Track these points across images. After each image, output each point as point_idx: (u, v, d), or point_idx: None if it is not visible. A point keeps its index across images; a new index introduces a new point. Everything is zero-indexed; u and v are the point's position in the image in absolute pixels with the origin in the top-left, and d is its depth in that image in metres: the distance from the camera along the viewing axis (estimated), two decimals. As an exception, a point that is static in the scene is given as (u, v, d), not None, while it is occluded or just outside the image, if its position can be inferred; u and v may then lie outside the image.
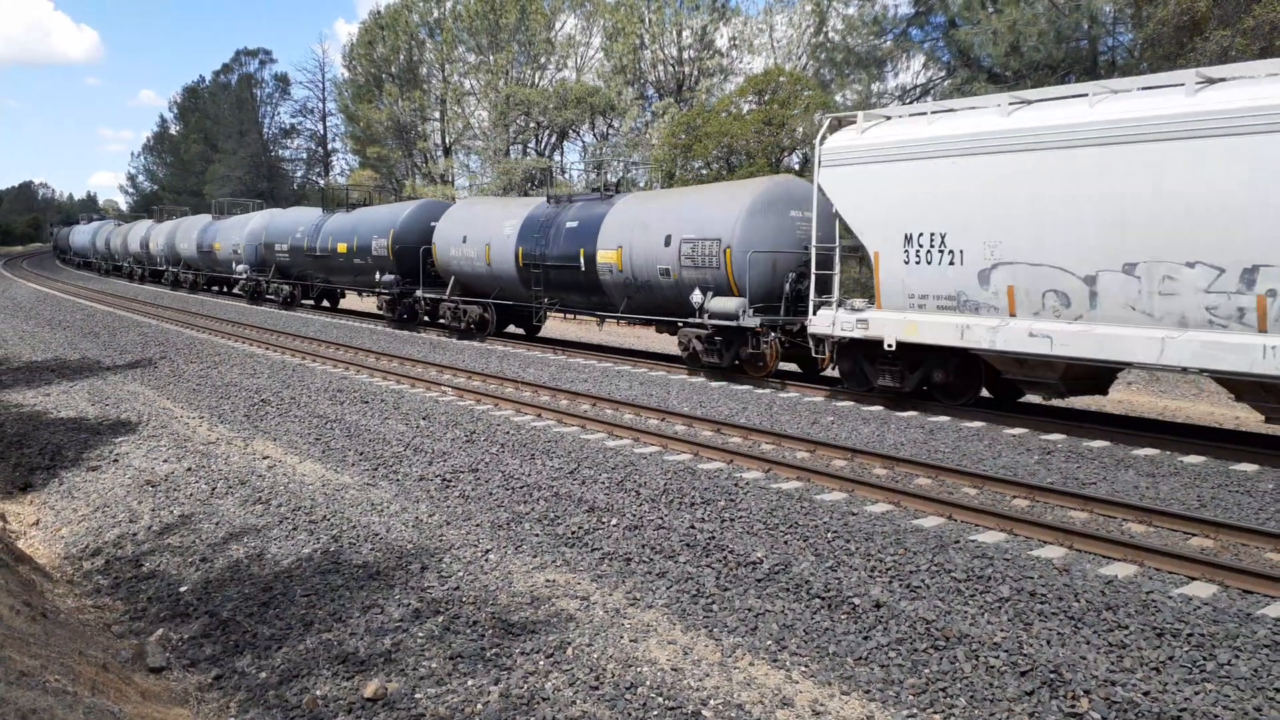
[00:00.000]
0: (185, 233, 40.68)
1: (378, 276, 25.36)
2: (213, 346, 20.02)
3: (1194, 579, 6.45)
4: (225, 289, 39.95)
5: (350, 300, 33.44)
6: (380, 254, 25.20)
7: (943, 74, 32.94)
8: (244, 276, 34.43)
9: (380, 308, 26.06)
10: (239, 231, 34.97)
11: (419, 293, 23.98)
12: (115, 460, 11.07)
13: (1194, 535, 7.42)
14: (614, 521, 8.00)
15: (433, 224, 23.94)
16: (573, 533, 7.86)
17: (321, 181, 74.95)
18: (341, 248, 27.33)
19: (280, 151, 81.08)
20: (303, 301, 32.70)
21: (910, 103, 34.38)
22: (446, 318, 22.79)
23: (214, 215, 40.94)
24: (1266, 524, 7.59)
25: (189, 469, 10.42)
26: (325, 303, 33.10)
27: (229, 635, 6.49)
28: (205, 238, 38.08)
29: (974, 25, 28.27)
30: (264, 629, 6.47)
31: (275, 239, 32.06)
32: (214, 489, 9.67)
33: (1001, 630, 5.73)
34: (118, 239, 52.80)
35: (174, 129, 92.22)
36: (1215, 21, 19.45)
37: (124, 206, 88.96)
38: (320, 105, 77.12)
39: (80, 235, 63.63)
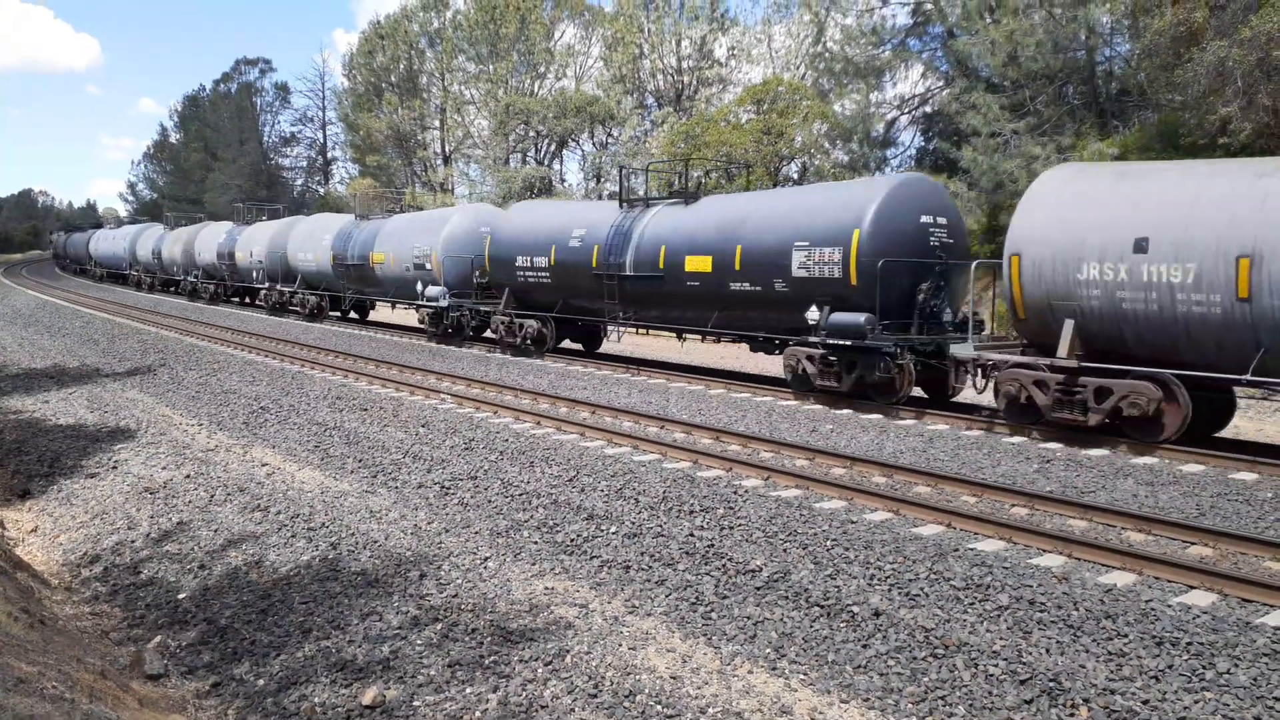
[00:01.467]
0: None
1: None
2: (212, 354, 20.02)
3: (1193, 588, 6.45)
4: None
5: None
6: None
7: (941, 84, 33.06)
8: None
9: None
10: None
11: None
12: (114, 467, 11.06)
13: (1193, 544, 7.42)
14: (613, 530, 7.99)
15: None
16: (571, 540, 7.85)
17: (321, 190, 75.12)
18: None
19: (280, 160, 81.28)
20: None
21: (909, 112, 34.58)
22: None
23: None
24: (1265, 533, 7.60)
25: (188, 476, 10.42)
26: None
27: (227, 642, 6.48)
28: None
29: (972, 35, 28.37)
30: (262, 636, 6.46)
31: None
32: (213, 496, 9.66)
33: (1000, 639, 5.73)
34: (176, 246, 42.05)
35: (174, 137, 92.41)
36: (1212, 32, 19.52)
37: (124, 214, 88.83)
38: (320, 114, 77.37)
39: (107, 242, 54.72)
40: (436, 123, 56.32)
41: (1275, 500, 8.59)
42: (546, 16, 49.88)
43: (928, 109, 33.98)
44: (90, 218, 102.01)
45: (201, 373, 17.17)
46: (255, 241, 33.98)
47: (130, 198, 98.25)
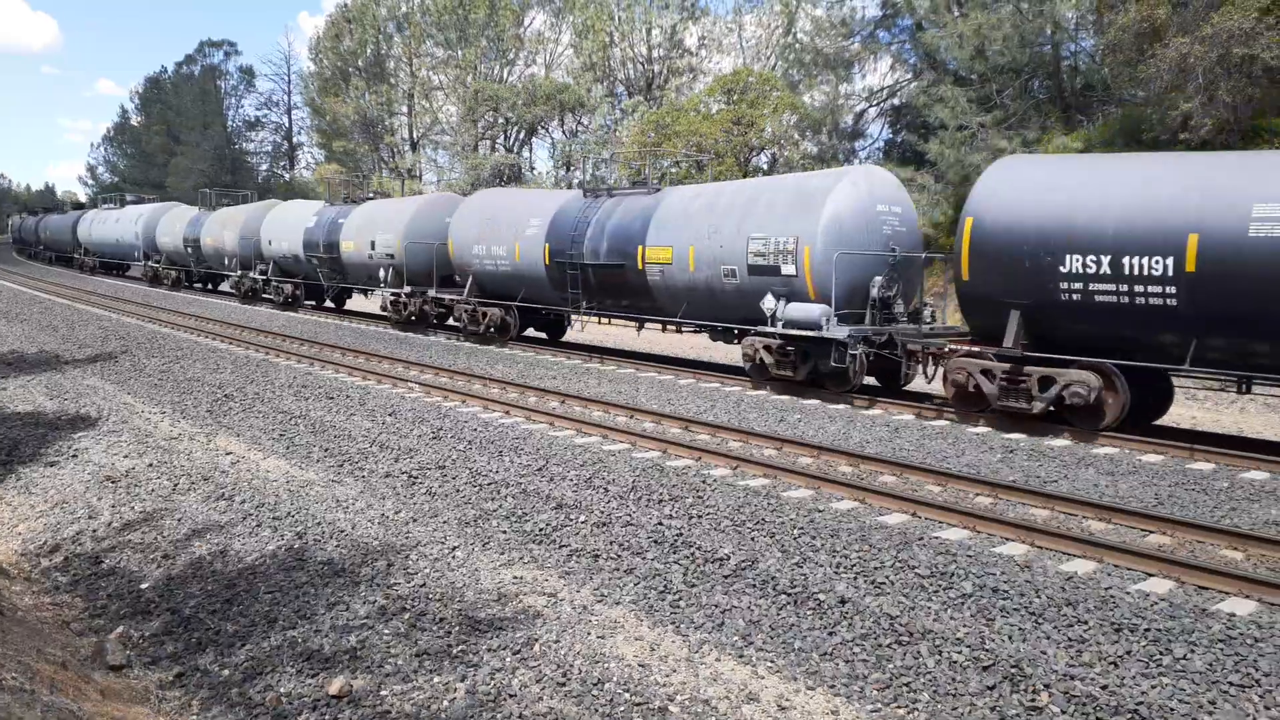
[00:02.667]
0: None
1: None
2: (175, 341, 19.73)
3: (1151, 575, 6.58)
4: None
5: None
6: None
7: (909, 77, 33.28)
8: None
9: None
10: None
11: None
12: (74, 456, 10.88)
13: (1151, 532, 7.57)
14: (582, 519, 8.00)
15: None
16: (541, 529, 7.85)
17: (287, 175, 74.18)
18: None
19: (244, 144, 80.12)
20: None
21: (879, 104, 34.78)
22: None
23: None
24: (1221, 521, 7.76)
25: (150, 465, 10.28)
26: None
27: (191, 633, 6.41)
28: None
29: (940, 28, 28.57)
30: (227, 626, 6.40)
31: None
32: (176, 485, 9.54)
33: (964, 626, 5.81)
34: (228, 232, 31.96)
35: (135, 120, 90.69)
36: (1174, 29, 19.82)
37: (83, 198, 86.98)
38: (286, 98, 76.35)
39: (105, 226, 44.24)
40: (404, 108, 55.78)
41: (1231, 490, 8.78)
42: (516, 3, 49.53)
43: (896, 101, 34.21)
44: (48, 201, 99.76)
45: (164, 360, 16.92)
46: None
47: (90, 181, 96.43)
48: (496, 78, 48.95)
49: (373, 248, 23.98)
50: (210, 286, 36.97)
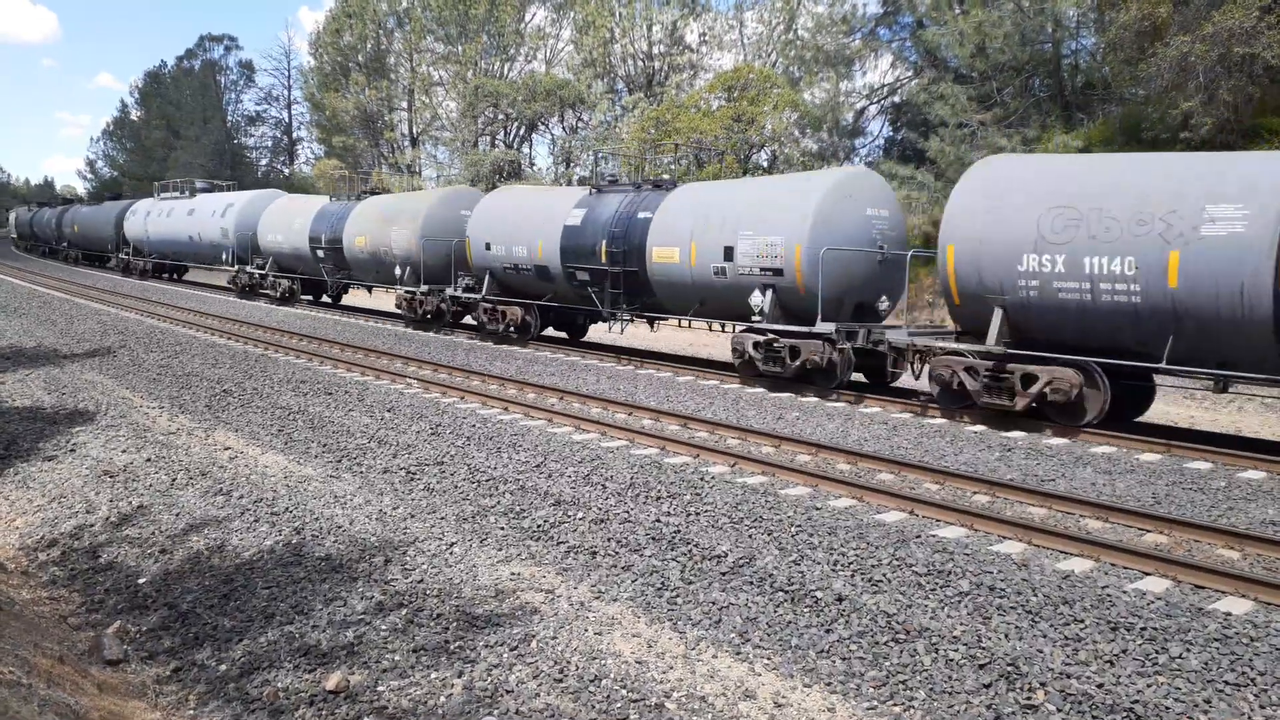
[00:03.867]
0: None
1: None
2: (174, 335, 19.72)
3: (1148, 574, 6.58)
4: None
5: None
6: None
7: (910, 74, 33.26)
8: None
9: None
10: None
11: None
12: (72, 450, 10.88)
13: (1148, 531, 7.58)
14: (580, 516, 8.01)
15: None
16: (539, 526, 7.86)
17: (286, 170, 74.08)
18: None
19: (244, 139, 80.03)
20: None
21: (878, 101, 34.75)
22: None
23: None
24: (1218, 521, 7.77)
25: (148, 459, 10.28)
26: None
27: (188, 627, 6.42)
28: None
29: (941, 26, 28.55)
30: (224, 621, 6.40)
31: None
32: (174, 480, 9.54)
33: (961, 624, 5.82)
34: (395, 231, 23.49)
35: (135, 114, 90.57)
36: (1175, 28, 19.81)
37: (82, 192, 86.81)
38: (285, 93, 76.26)
39: (170, 221, 35.55)
40: (404, 104, 55.70)
41: (1228, 489, 8.79)
42: (516, -2, 49.44)
43: (896, 99, 34.20)
44: (47, 194, 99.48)
45: (162, 354, 16.92)
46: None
47: (89, 175, 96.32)
48: (497, 73, 48.88)
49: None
50: (328, 301, 29.76)
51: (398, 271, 22.96)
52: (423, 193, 27.20)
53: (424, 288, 22.20)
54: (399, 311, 23.85)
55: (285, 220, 28.57)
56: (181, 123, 77.49)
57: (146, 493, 9.24)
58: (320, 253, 26.81)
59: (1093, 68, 27.80)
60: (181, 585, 7.10)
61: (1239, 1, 18.41)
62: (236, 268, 30.62)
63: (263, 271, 29.65)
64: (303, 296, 29.68)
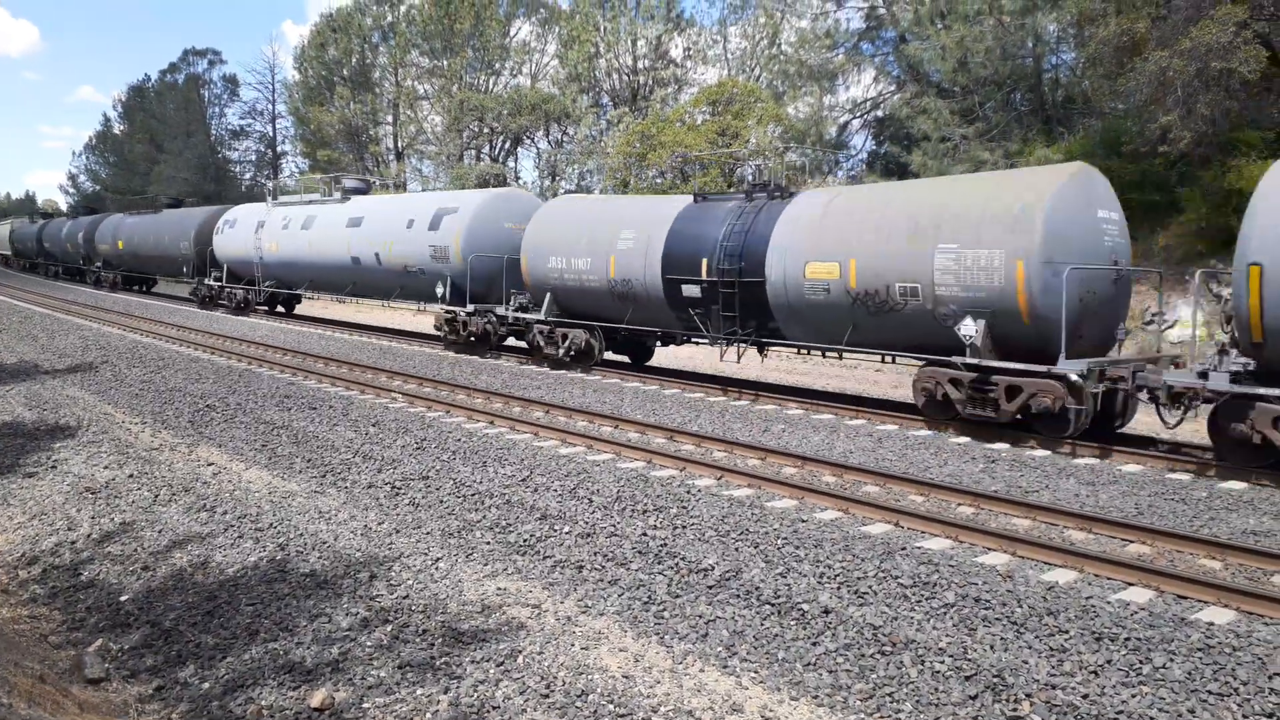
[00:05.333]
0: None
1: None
2: (157, 351, 19.59)
3: (1131, 584, 6.62)
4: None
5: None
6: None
7: (892, 88, 33.52)
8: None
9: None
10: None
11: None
12: (53, 467, 10.79)
13: (1132, 542, 7.62)
14: (567, 530, 7.99)
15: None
16: (525, 540, 7.84)
17: (270, 184, 73.83)
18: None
19: (228, 153, 79.77)
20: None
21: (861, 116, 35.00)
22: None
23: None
24: (1200, 531, 7.83)
25: (131, 476, 10.20)
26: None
27: (171, 645, 6.36)
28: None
29: (923, 41, 28.82)
30: (208, 639, 6.35)
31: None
32: (157, 496, 9.47)
33: (946, 636, 5.83)
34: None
35: (118, 128, 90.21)
36: (1154, 43, 20.05)
37: (64, 206, 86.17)
38: (270, 107, 76.08)
39: (289, 235, 26.15)
40: (389, 118, 55.72)
41: (1210, 499, 8.85)
42: (502, 13, 49.60)
43: (879, 113, 34.45)
44: (29, 209, 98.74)
45: (145, 370, 16.81)
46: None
47: (71, 189, 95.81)
48: (482, 88, 48.99)
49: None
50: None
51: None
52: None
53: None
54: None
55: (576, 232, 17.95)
56: (165, 136, 77.18)
57: (129, 509, 9.17)
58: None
59: (1073, 82, 28.10)
60: (164, 602, 7.04)
61: (1216, 17, 18.66)
62: (473, 309, 19.83)
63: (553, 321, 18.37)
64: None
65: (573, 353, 17.55)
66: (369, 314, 32.40)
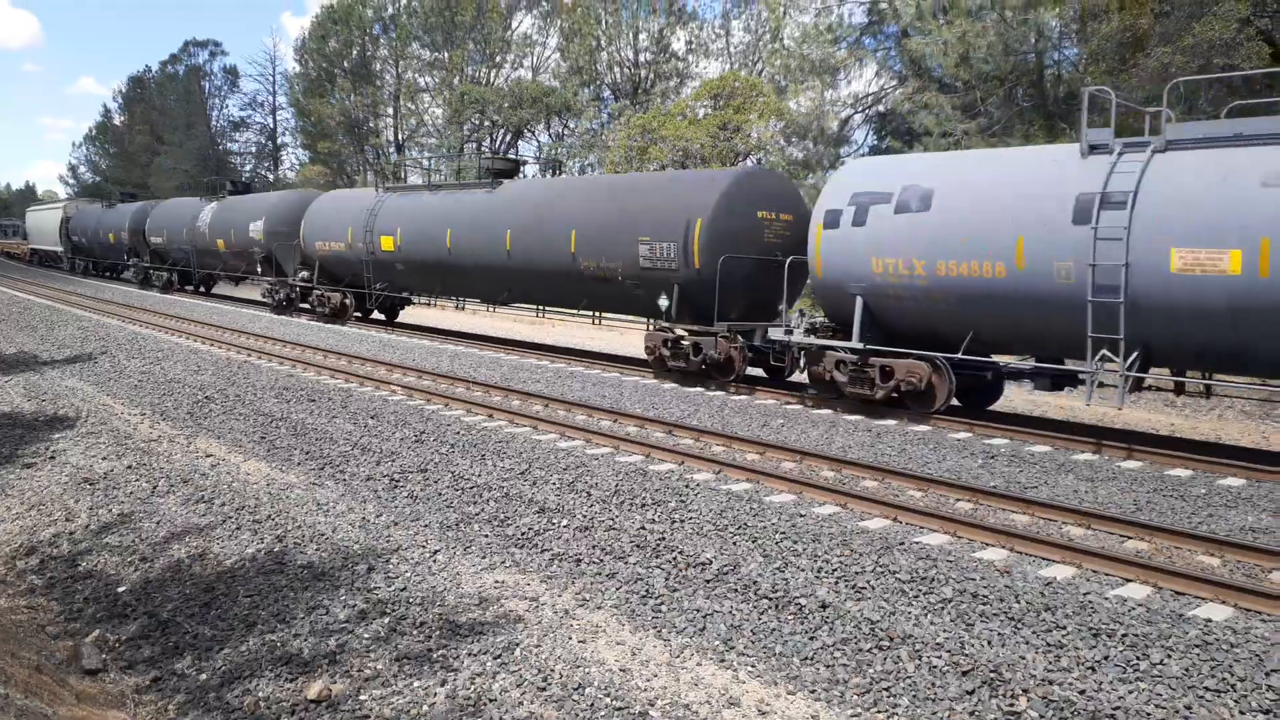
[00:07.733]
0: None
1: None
2: (156, 342, 19.58)
3: (1129, 580, 6.62)
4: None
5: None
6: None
7: (894, 83, 33.44)
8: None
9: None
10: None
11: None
12: (52, 457, 10.78)
13: (1130, 538, 7.62)
14: (565, 523, 7.99)
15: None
16: (522, 533, 7.83)
17: (271, 176, 73.74)
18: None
19: (229, 145, 79.60)
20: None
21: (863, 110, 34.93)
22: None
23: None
24: (1199, 527, 7.82)
25: (129, 467, 10.19)
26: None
27: (168, 636, 6.36)
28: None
29: (925, 36, 28.72)
30: (205, 630, 6.35)
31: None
32: (155, 487, 9.46)
33: (944, 631, 5.83)
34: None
35: (118, 119, 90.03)
36: (1156, 39, 20.01)
37: (63, 196, 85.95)
38: (270, 99, 75.92)
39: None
40: (390, 110, 55.65)
41: (1208, 496, 8.85)
42: (503, 5, 49.50)
43: (881, 108, 34.37)
44: (30, 200, 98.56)
45: (144, 361, 16.79)
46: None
47: (71, 180, 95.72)
48: (483, 80, 48.90)
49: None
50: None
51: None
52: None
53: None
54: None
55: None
56: (165, 128, 77.05)
57: (127, 500, 9.16)
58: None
59: (1075, 78, 28.01)
60: (162, 594, 7.04)
61: (1219, 14, 18.62)
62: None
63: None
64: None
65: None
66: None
